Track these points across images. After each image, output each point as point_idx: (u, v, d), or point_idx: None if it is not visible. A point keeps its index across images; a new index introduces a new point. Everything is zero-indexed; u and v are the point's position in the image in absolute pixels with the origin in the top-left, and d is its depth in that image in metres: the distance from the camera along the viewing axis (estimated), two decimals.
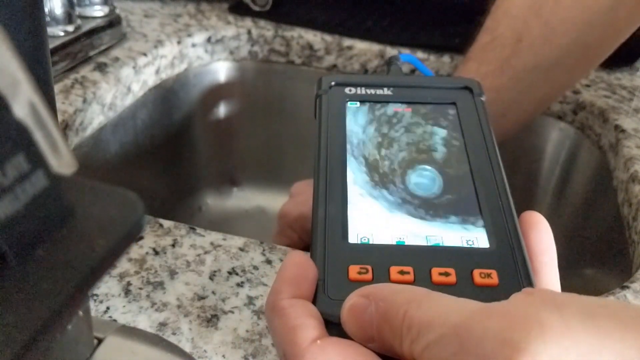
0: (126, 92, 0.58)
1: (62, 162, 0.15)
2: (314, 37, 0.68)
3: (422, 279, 0.24)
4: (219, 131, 0.73)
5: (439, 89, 0.35)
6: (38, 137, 0.15)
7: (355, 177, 0.29)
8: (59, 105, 0.50)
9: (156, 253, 0.37)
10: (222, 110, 0.73)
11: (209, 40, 0.68)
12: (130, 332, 0.28)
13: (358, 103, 0.34)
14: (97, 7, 0.59)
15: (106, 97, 0.55)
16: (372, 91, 0.34)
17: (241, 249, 0.37)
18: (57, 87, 0.52)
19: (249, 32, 0.69)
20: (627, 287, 0.36)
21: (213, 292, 0.34)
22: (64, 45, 0.54)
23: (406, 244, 0.26)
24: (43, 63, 0.23)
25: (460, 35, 0.64)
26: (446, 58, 0.66)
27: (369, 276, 0.24)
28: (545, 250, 0.26)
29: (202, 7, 0.74)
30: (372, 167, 0.29)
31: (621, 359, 0.17)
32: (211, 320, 0.32)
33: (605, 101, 0.58)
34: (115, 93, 0.56)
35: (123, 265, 0.35)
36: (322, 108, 0.33)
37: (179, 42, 0.65)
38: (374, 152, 0.30)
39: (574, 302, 0.18)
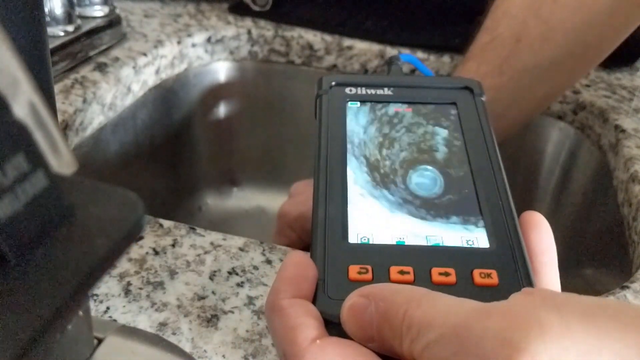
0: (126, 92, 0.58)
1: (62, 162, 0.15)
2: (314, 37, 0.68)
3: (422, 279, 0.24)
4: (219, 131, 0.73)
5: (439, 89, 0.35)
6: (38, 137, 0.15)
7: (356, 177, 0.29)
8: (59, 105, 0.50)
9: (156, 253, 0.37)
10: (222, 110, 0.73)
11: (209, 40, 0.68)
12: (130, 332, 0.28)
13: (358, 103, 0.34)
14: (97, 7, 0.59)
15: (106, 97, 0.55)
16: (373, 91, 0.34)
17: (241, 249, 0.37)
18: (57, 87, 0.52)
19: (249, 32, 0.69)
20: (627, 287, 0.36)
21: (213, 292, 0.34)
22: (64, 45, 0.54)
23: (406, 243, 0.26)
24: (43, 63, 0.23)
25: (460, 35, 0.64)
26: (446, 58, 0.66)
27: (368, 276, 0.24)
28: (545, 250, 0.26)
29: (202, 7, 0.74)
30: (372, 167, 0.29)
31: (621, 358, 0.17)
32: (211, 320, 0.32)
33: (605, 101, 0.58)
34: (115, 93, 0.56)
35: (123, 265, 0.35)
36: (322, 108, 0.33)
37: (179, 42, 0.65)
38: (374, 152, 0.30)
39: (574, 302, 0.18)
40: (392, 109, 0.33)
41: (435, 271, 0.24)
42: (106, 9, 0.60)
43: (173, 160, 0.70)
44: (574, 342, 0.17)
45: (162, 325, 0.32)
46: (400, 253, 0.25)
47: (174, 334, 0.31)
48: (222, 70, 0.71)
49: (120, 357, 0.26)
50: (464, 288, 0.24)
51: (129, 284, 0.34)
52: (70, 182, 0.16)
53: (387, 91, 0.34)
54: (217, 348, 0.31)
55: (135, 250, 0.37)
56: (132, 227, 0.16)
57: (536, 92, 0.49)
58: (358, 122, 0.32)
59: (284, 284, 0.23)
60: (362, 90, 0.34)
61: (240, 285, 0.35)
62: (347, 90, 0.34)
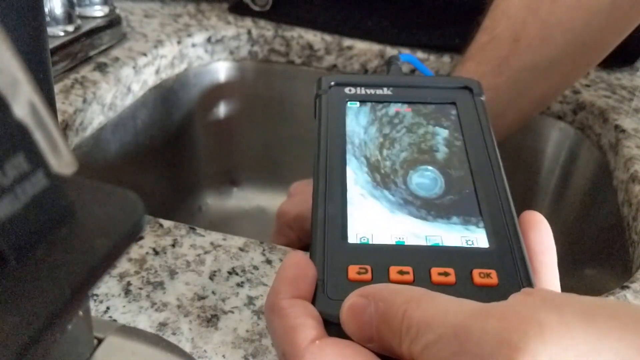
0: (126, 92, 0.58)
1: (62, 162, 0.15)
2: (314, 37, 0.68)
3: (422, 279, 0.24)
4: (219, 131, 0.73)
5: (438, 89, 0.35)
6: (38, 137, 0.15)
7: (355, 177, 0.29)
8: (59, 105, 0.50)
9: (156, 253, 0.37)
10: (222, 110, 0.73)
11: (209, 40, 0.68)
12: (130, 332, 0.28)
13: (358, 103, 0.34)
14: (97, 7, 0.59)
15: (106, 97, 0.55)
16: (372, 91, 0.34)
17: (241, 249, 0.37)
18: (57, 87, 0.52)
19: (249, 32, 0.69)
20: (627, 287, 0.36)
21: (213, 292, 0.34)
22: (64, 45, 0.54)
23: (406, 244, 0.26)
24: (43, 63, 0.23)
25: (460, 35, 0.64)
26: (446, 58, 0.66)
27: (368, 276, 0.24)
28: (545, 250, 0.26)
29: (202, 7, 0.74)
30: (372, 167, 0.29)
31: (620, 358, 0.17)
32: (211, 320, 0.32)
33: (605, 101, 0.58)
34: (115, 93, 0.56)
35: (123, 265, 0.35)
36: (321, 108, 0.33)
37: (179, 42, 0.65)
38: (374, 152, 0.30)
39: (573, 302, 0.18)
40: (392, 108, 0.33)
41: (434, 271, 0.24)
42: (106, 9, 0.60)
43: (173, 160, 0.70)
44: (574, 342, 0.17)
45: (162, 325, 0.32)
46: (399, 253, 0.25)
47: (174, 334, 0.31)
48: (222, 70, 0.71)
49: (120, 357, 0.26)
50: (464, 288, 0.24)
51: (129, 284, 0.34)
52: (70, 182, 0.16)
53: (386, 91, 0.34)
54: (217, 348, 0.31)
55: (135, 250, 0.37)
56: (132, 227, 0.16)
57: (535, 91, 0.49)
58: (357, 122, 0.32)
59: (283, 284, 0.23)
60: (362, 90, 0.34)
61: (240, 285, 0.35)
62: (347, 90, 0.34)
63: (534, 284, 0.24)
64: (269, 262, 0.36)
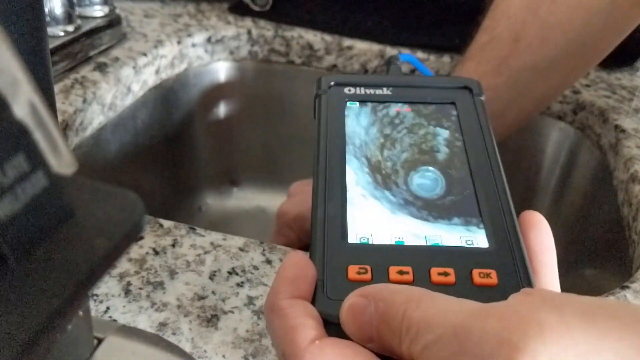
0: (126, 92, 0.58)
1: (62, 162, 0.15)
2: (314, 37, 0.68)
3: (421, 279, 0.24)
4: (219, 131, 0.73)
5: (438, 89, 0.35)
6: (38, 137, 0.15)
7: (355, 177, 0.29)
8: (59, 105, 0.50)
9: (156, 253, 0.37)
10: (222, 110, 0.73)
11: (209, 40, 0.68)
12: (130, 332, 0.28)
13: (357, 103, 0.34)
14: (97, 7, 0.59)
15: (106, 97, 0.55)
16: (372, 91, 0.34)
17: (241, 249, 0.37)
18: (57, 87, 0.52)
19: (249, 32, 0.69)
20: (627, 287, 0.36)
21: (213, 292, 0.34)
22: (64, 45, 0.54)
23: (405, 244, 0.26)
24: (43, 63, 0.23)
25: (460, 35, 0.64)
26: (446, 58, 0.66)
27: (368, 276, 0.24)
28: (545, 250, 0.26)
29: (202, 7, 0.74)
30: (371, 167, 0.29)
31: (620, 358, 0.17)
32: (211, 320, 0.32)
33: (605, 101, 0.58)
34: (115, 93, 0.56)
35: (123, 265, 0.35)
36: (321, 108, 0.33)
37: (179, 42, 0.65)
38: (374, 152, 0.30)
39: (573, 302, 0.18)
40: (391, 108, 0.33)
41: (434, 271, 0.24)
42: (106, 9, 0.60)
43: (173, 160, 0.70)
44: (574, 342, 0.17)
45: (162, 325, 0.32)
46: (399, 253, 0.25)
47: (174, 334, 0.31)
48: (222, 70, 0.71)
49: (120, 357, 0.26)
50: (463, 288, 0.24)
51: (129, 284, 0.34)
52: (70, 182, 0.16)
53: (386, 91, 0.34)
54: (217, 348, 0.31)
55: (135, 250, 0.37)
56: (132, 227, 0.16)
57: (535, 91, 0.49)
58: (357, 122, 0.32)
59: (283, 284, 0.23)
60: (361, 90, 0.34)
61: (240, 285, 0.35)
62: (346, 90, 0.34)
63: (534, 284, 0.24)
64: (269, 262, 0.36)
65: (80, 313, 0.23)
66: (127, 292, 0.34)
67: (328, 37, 0.68)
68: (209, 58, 0.69)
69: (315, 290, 0.24)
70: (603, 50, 0.48)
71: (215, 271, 0.36)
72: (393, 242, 0.26)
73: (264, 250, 0.37)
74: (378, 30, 0.69)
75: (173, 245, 0.37)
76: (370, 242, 0.26)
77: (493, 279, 0.24)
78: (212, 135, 0.73)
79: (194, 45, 0.67)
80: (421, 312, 0.20)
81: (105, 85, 0.54)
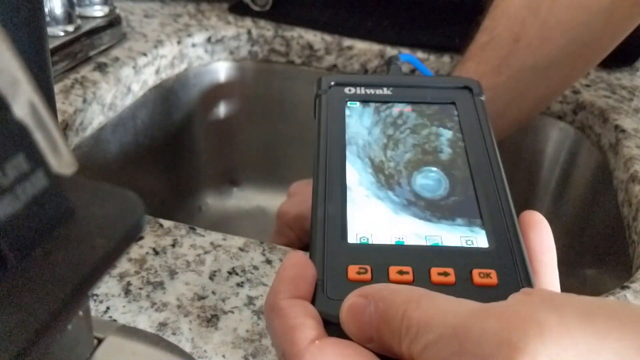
0: (126, 92, 0.58)
1: (62, 162, 0.15)
2: (314, 37, 0.68)
3: (421, 279, 0.24)
4: (219, 131, 0.73)
5: (438, 89, 0.35)
6: (38, 137, 0.15)
7: (358, 177, 0.29)
8: (59, 105, 0.50)
9: (156, 253, 0.37)
10: (222, 110, 0.73)
11: (209, 40, 0.68)
12: (130, 332, 0.28)
13: (357, 103, 0.34)
14: (97, 7, 0.59)
15: (106, 97, 0.55)
16: (372, 91, 0.34)
17: (241, 249, 0.37)
18: (57, 87, 0.52)
19: (249, 32, 0.69)
20: (627, 287, 0.36)
21: (213, 292, 0.34)
22: (64, 45, 0.54)
23: (405, 244, 0.26)
24: (43, 63, 0.23)
25: (460, 35, 0.64)
26: (446, 58, 0.66)
27: (367, 276, 0.24)
28: (545, 250, 0.26)
29: (202, 7, 0.74)
30: (374, 168, 0.29)
31: (620, 358, 0.17)
32: (211, 320, 0.32)
33: (605, 101, 0.58)
34: (115, 93, 0.56)
35: (123, 265, 0.35)
36: (321, 108, 0.33)
37: (179, 42, 0.65)
38: (374, 152, 0.30)
39: (573, 302, 0.18)
40: (392, 108, 0.33)
41: (434, 271, 0.24)
42: (106, 9, 0.60)
43: (173, 160, 0.70)
44: (573, 342, 0.17)
45: (162, 325, 0.32)
46: (399, 253, 0.25)
47: (174, 334, 0.31)
48: (222, 70, 0.71)
49: (120, 357, 0.26)
50: (463, 288, 0.24)
51: (129, 284, 0.34)
52: (70, 182, 0.16)
53: (386, 91, 0.34)
54: (217, 348, 0.31)
55: (135, 250, 0.37)
56: (132, 227, 0.16)
57: (535, 91, 0.49)
58: (357, 121, 0.32)
59: (283, 284, 0.23)
60: (361, 90, 0.34)
61: (240, 285, 0.35)
62: (346, 90, 0.34)
63: (534, 284, 0.24)
64: (269, 262, 0.36)
65: (80, 313, 0.23)
66: (127, 292, 0.34)
67: (328, 37, 0.68)
68: (209, 58, 0.69)
69: (315, 290, 0.24)
70: (603, 50, 0.48)
71: (215, 271, 0.36)
72: (393, 242, 0.26)
73: (264, 250, 0.37)
74: (378, 30, 0.69)
75: (173, 245, 0.37)
76: (370, 242, 0.26)
77: (493, 279, 0.24)
78: (212, 135, 0.73)
79: (194, 45, 0.67)
80: (421, 312, 0.20)
81: (105, 85, 0.54)
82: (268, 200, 0.74)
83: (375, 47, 0.67)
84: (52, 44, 0.53)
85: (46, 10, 0.54)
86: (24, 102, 0.14)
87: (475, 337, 0.18)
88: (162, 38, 0.64)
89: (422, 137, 0.31)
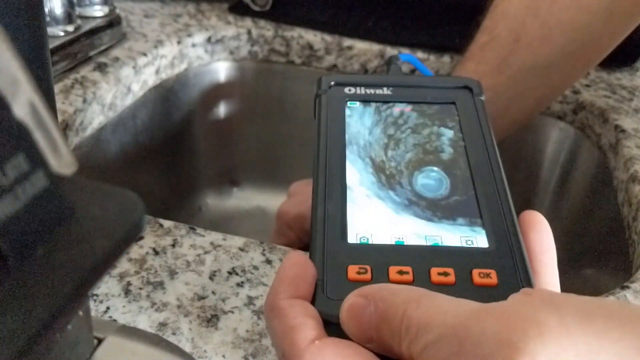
0: (126, 92, 0.58)
1: (62, 162, 0.15)
2: (314, 37, 0.68)
3: (421, 279, 0.24)
4: (219, 131, 0.73)
5: (438, 89, 0.35)
6: (38, 137, 0.15)
7: (357, 177, 0.29)
8: (59, 105, 0.50)
9: (156, 253, 0.37)
10: (222, 110, 0.73)
11: (209, 40, 0.68)
12: (130, 332, 0.28)
13: (357, 103, 0.34)
14: (97, 7, 0.59)
15: (106, 97, 0.55)
16: (372, 91, 0.34)
17: (241, 249, 0.37)
18: (57, 87, 0.52)
19: (249, 32, 0.69)
20: (627, 287, 0.36)
21: (213, 292, 0.34)
22: (64, 45, 0.54)
23: (405, 244, 0.26)
24: (43, 63, 0.23)
25: (460, 35, 0.64)
26: (446, 58, 0.66)
27: (367, 276, 0.24)
28: (545, 250, 0.26)
29: (202, 7, 0.74)
30: (375, 167, 0.29)
31: (619, 359, 0.17)
32: (211, 320, 0.32)
33: (605, 101, 0.58)
34: (115, 93, 0.56)
35: (123, 265, 0.35)
36: (321, 108, 0.33)
37: (179, 42, 0.65)
38: (374, 152, 0.30)
39: (573, 302, 0.18)
40: (392, 108, 0.33)
41: (434, 271, 0.24)
42: (106, 9, 0.60)
43: (173, 160, 0.70)
44: (573, 342, 0.17)
45: (162, 325, 0.32)
46: (399, 253, 0.25)
47: (174, 334, 0.31)
48: (222, 70, 0.71)
49: (120, 357, 0.26)
50: (463, 288, 0.24)
51: (129, 284, 0.34)
52: (70, 182, 0.16)
53: (386, 91, 0.34)
54: (217, 348, 0.31)
55: (135, 250, 0.37)
56: (132, 227, 0.16)
57: (535, 91, 0.49)
58: (357, 121, 0.32)
59: (283, 284, 0.23)
60: (361, 90, 0.34)
61: (240, 285, 0.35)
62: (346, 90, 0.34)
63: (534, 284, 0.24)
64: (269, 262, 0.36)
65: (80, 313, 0.23)
66: (127, 292, 0.34)
67: (328, 37, 0.68)
68: (209, 58, 0.69)
69: (315, 290, 0.24)
70: (603, 50, 0.48)
71: (215, 271, 0.36)
72: (393, 242, 0.26)
73: (264, 250, 0.37)
74: (378, 30, 0.69)
75: (173, 245, 0.37)
76: (370, 242, 0.26)
77: (493, 279, 0.24)
78: (212, 135, 0.73)
79: (194, 45, 0.67)
80: (421, 312, 0.20)
81: (105, 85, 0.54)
82: (268, 200, 0.74)
83: (375, 47, 0.67)
84: (52, 44, 0.53)
85: (46, 10, 0.54)
86: (24, 102, 0.14)
87: (475, 337, 0.18)
88: (162, 38, 0.64)
89: (423, 137, 0.31)
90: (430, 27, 0.69)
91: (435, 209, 0.27)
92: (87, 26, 0.57)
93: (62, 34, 0.54)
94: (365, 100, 0.34)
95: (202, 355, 0.30)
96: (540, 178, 0.65)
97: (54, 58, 0.52)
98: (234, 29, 0.69)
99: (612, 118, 0.56)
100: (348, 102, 0.33)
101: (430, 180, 0.29)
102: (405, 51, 0.66)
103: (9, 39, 0.14)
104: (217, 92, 0.71)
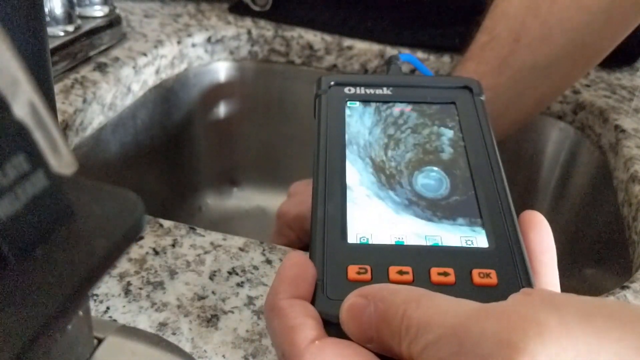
0: (126, 92, 0.58)
1: (62, 162, 0.15)
2: (314, 37, 0.68)
3: (421, 279, 0.24)
4: (219, 131, 0.73)
5: (438, 89, 0.35)
6: (38, 137, 0.15)
7: (357, 177, 0.29)
8: (59, 105, 0.50)
9: (156, 253, 0.37)
10: (222, 110, 0.73)
11: (209, 40, 0.68)
12: (130, 332, 0.28)
13: (357, 103, 0.34)
14: (97, 7, 0.59)
15: (106, 97, 0.55)
16: (372, 91, 0.34)
17: (241, 249, 0.37)
18: (57, 87, 0.52)
19: (249, 32, 0.69)
20: (627, 287, 0.36)
21: (213, 292, 0.34)
22: (64, 45, 0.54)
23: (405, 244, 0.26)
24: (43, 63, 0.23)
25: (460, 35, 0.64)
26: (446, 58, 0.66)
27: (367, 276, 0.24)
28: (545, 250, 0.26)
29: (202, 7, 0.74)
30: (375, 167, 0.29)
31: (619, 359, 0.17)
32: (211, 320, 0.32)
33: (605, 101, 0.58)
34: (115, 93, 0.56)
35: (123, 265, 0.35)
36: (321, 108, 0.33)
37: (179, 42, 0.65)
38: (374, 152, 0.30)
39: (573, 302, 0.18)
40: (392, 108, 0.33)
41: (434, 271, 0.24)
42: (106, 9, 0.60)
43: (173, 160, 0.70)
44: (573, 342, 0.17)
45: (162, 325, 0.32)
46: (399, 253, 0.25)
47: (174, 334, 0.31)
48: (222, 70, 0.71)
49: (120, 357, 0.26)
50: (463, 288, 0.24)
51: (129, 284, 0.34)
52: (70, 182, 0.16)
53: (386, 91, 0.34)
54: (217, 348, 0.31)
55: (135, 250, 0.37)
56: (132, 227, 0.16)
57: (535, 91, 0.49)
58: (357, 121, 0.32)
59: (283, 285, 0.23)
60: (361, 90, 0.34)
61: (240, 285, 0.35)
62: (346, 90, 0.34)
63: (534, 284, 0.24)
64: (269, 262, 0.36)
65: (80, 313, 0.23)
66: (127, 292, 0.34)
67: (328, 37, 0.68)
68: (209, 58, 0.69)
69: (315, 290, 0.24)
70: (603, 50, 0.48)
71: (215, 271, 0.36)
72: (393, 242, 0.26)
73: (264, 250, 0.37)
74: (378, 30, 0.69)
75: (173, 245, 0.37)
76: (370, 242, 0.26)
77: (493, 279, 0.24)
78: (212, 135, 0.73)
79: (194, 45, 0.67)
80: (421, 312, 0.20)
81: (105, 85, 0.54)
82: (268, 200, 0.74)
83: (375, 47, 0.67)
84: (52, 44, 0.53)
85: (46, 10, 0.54)
86: (24, 102, 0.14)
87: (475, 337, 0.18)
88: (162, 38, 0.64)
89: (423, 136, 0.31)
90: (430, 27, 0.69)
91: (435, 209, 0.27)
92: (87, 26, 0.57)
93: (62, 34, 0.54)
94: (365, 100, 0.34)
95: (202, 355, 0.30)
96: (540, 178, 0.65)
97: (54, 58, 0.52)
98: (234, 29, 0.69)
99: (612, 118, 0.56)
100: (348, 102, 0.33)
101: (430, 180, 0.29)
102: (405, 51, 0.66)
103: (9, 39, 0.14)
104: (217, 92, 0.71)
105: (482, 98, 0.34)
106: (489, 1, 0.49)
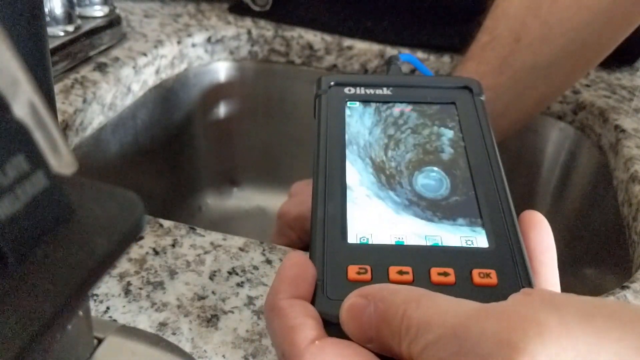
0: (126, 92, 0.58)
1: (62, 162, 0.15)
2: (314, 37, 0.68)
3: (421, 279, 0.24)
4: (219, 131, 0.73)
5: (438, 89, 0.35)
6: (38, 137, 0.15)
7: (357, 177, 0.29)
8: (59, 105, 0.50)
9: (156, 253, 0.37)
10: (222, 110, 0.73)
11: (209, 40, 0.68)
12: (130, 332, 0.28)
13: (357, 103, 0.34)
14: (97, 7, 0.59)
15: (106, 97, 0.55)
16: (372, 91, 0.34)
17: (241, 249, 0.37)
18: (57, 87, 0.52)
19: (249, 32, 0.69)
20: (627, 287, 0.36)
21: (213, 292, 0.34)
22: (64, 45, 0.54)
23: (405, 244, 0.26)
24: (43, 63, 0.23)
25: (460, 35, 0.64)
26: (446, 58, 0.66)
27: (367, 276, 0.24)
28: (545, 250, 0.26)
29: (202, 7, 0.74)
30: (375, 167, 0.29)
31: (619, 359, 0.17)
32: (211, 320, 0.32)
33: (605, 101, 0.58)
34: (115, 93, 0.56)
35: (123, 265, 0.35)
36: (321, 108, 0.33)
37: (179, 42, 0.65)
38: (375, 152, 0.30)
39: (573, 302, 0.18)
40: (392, 108, 0.33)
41: (434, 271, 0.24)
42: (106, 9, 0.60)
43: (173, 160, 0.70)
44: (573, 342, 0.17)
45: (162, 325, 0.32)
46: (399, 253, 0.25)
47: (174, 334, 0.31)
48: (222, 70, 0.71)
49: (120, 357, 0.26)
50: (463, 288, 0.24)
51: (129, 284, 0.34)
52: (70, 182, 0.16)
53: (386, 91, 0.34)
54: (217, 348, 0.31)
55: (135, 250, 0.37)
56: (132, 227, 0.16)
57: (535, 92, 0.49)
58: (357, 122, 0.32)
59: (283, 285, 0.23)
60: (361, 90, 0.34)
61: (240, 285, 0.35)
62: (346, 90, 0.34)
63: (534, 284, 0.24)
64: (269, 262, 0.36)
65: (80, 313, 0.23)
66: (127, 292, 0.34)
67: (328, 37, 0.68)
68: (209, 58, 0.69)
69: (315, 291, 0.24)
70: (604, 50, 0.48)
71: (215, 271, 0.36)
72: (393, 242, 0.26)
73: (264, 250, 0.37)
74: (378, 30, 0.69)
75: (173, 245, 0.37)
76: (370, 242, 0.26)
77: (493, 279, 0.24)
78: (212, 135, 0.73)
79: (194, 45, 0.67)
80: (421, 312, 0.20)
81: (105, 85, 0.54)
82: (268, 200, 0.74)
83: (375, 47, 0.67)
84: (52, 44, 0.53)
85: (46, 10, 0.54)
86: (24, 102, 0.14)
87: (475, 337, 0.18)
88: (162, 38, 0.64)
89: (423, 137, 0.31)
90: (430, 27, 0.69)
91: (436, 209, 0.27)
92: (87, 26, 0.57)
93: (62, 34, 0.54)
94: (365, 101, 0.34)
95: (202, 355, 0.30)
96: (540, 178, 0.65)
97: (54, 58, 0.52)
98: (234, 29, 0.69)
99: (612, 118, 0.56)
100: (348, 102, 0.33)
101: (431, 181, 0.29)
102: (405, 51, 0.66)
103: (9, 39, 0.14)
104: (217, 92, 0.71)
105: (482, 98, 0.34)
106: (489, 1, 0.49)
